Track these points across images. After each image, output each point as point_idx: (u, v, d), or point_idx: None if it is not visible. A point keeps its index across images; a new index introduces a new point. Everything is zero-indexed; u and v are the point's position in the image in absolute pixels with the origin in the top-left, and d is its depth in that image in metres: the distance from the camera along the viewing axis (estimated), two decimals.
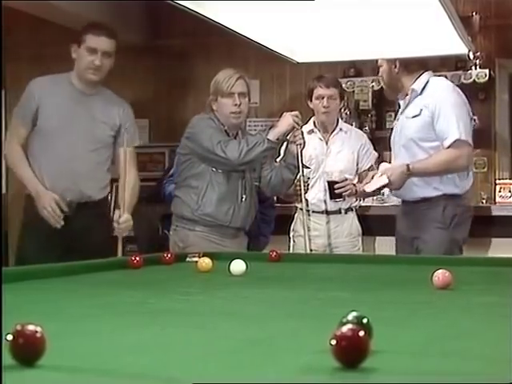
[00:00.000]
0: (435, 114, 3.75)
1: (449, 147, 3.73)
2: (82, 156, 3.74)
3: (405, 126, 3.89)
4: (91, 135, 3.76)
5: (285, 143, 3.92)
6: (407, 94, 3.90)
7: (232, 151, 3.65)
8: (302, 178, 3.90)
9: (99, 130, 3.78)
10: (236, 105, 3.73)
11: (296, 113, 3.71)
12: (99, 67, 3.70)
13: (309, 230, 4.04)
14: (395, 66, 3.94)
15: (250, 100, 3.86)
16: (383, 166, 3.92)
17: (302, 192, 3.91)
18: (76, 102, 3.76)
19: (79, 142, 3.73)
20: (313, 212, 4.23)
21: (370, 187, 3.92)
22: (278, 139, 3.67)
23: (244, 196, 3.83)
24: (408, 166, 3.74)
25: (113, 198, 4.23)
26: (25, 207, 3.84)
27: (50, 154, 3.71)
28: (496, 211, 4.61)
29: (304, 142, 3.79)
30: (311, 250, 3.90)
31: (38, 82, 3.83)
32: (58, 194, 3.71)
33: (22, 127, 3.77)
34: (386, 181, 3.77)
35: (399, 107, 4.12)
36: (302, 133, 3.81)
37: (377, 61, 4.14)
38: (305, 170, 3.94)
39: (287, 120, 3.66)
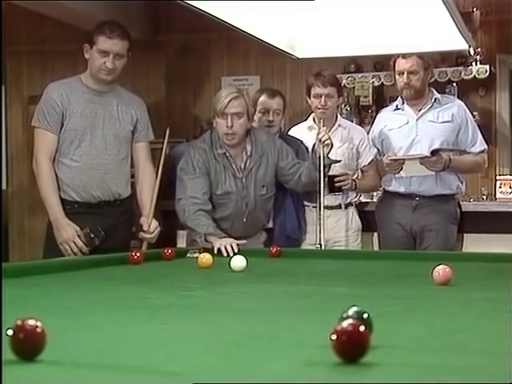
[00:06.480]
0: (463, 123, 4.22)
1: (477, 153, 4.27)
2: (108, 153, 3.75)
3: (432, 129, 4.20)
4: (113, 132, 3.77)
5: (311, 144, 3.95)
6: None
7: (180, 213, 3.78)
8: (321, 174, 3.89)
9: (120, 126, 3.79)
10: (228, 126, 3.75)
11: (235, 245, 3.49)
12: (111, 69, 3.69)
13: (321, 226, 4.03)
14: (432, 75, 4.45)
15: (250, 119, 3.86)
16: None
17: (322, 188, 3.91)
18: (94, 102, 3.74)
19: (104, 141, 3.74)
20: (313, 207, 4.23)
21: (408, 154, 4.19)
22: (210, 246, 3.55)
23: (245, 218, 3.90)
24: (450, 157, 4.10)
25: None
26: None
27: (78, 155, 3.71)
28: (496, 207, 4.61)
29: (331, 143, 3.85)
30: (320, 245, 3.90)
31: (55, 88, 3.77)
32: (88, 193, 3.72)
33: (51, 134, 3.70)
34: (425, 155, 4.08)
35: (397, 108, 4.34)
36: (329, 136, 3.86)
37: (394, 63, 4.21)
38: (336, 164, 4.00)
39: (223, 242, 3.52)
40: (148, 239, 3.80)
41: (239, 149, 3.88)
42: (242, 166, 3.89)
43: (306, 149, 4.16)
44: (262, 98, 4.25)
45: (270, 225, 4.12)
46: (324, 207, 4.12)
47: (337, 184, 4.16)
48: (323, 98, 4.19)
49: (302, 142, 4.20)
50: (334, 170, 4.15)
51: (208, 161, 3.85)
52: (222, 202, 3.87)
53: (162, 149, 3.92)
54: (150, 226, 3.77)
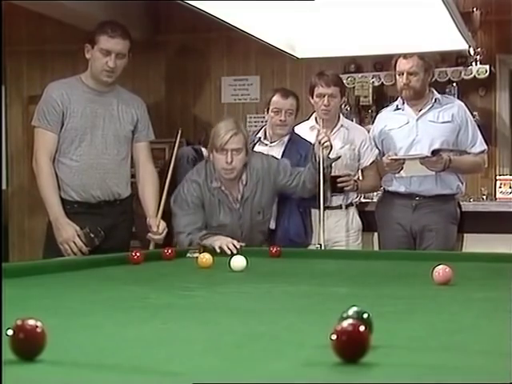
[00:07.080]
0: (463, 124, 4.23)
1: (477, 154, 4.28)
2: (108, 153, 3.76)
3: (432, 129, 4.20)
4: (114, 132, 3.77)
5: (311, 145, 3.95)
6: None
7: (176, 225, 3.82)
8: (321, 176, 3.88)
9: (120, 126, 3.80)
10: (227, 162, 3.74)
11: (236, 243, 3.57)
12: (113, 69, 3.69)
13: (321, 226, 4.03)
14: (432, 75, 4.41)
15: (247, 153, 3.83)
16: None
17: (321, 189, 3.90)
18: (94, 101, 3.74)
19: (104, 140, 3.75)
20: (313, 208, 4.23)
21: (408, 154, 4.19)
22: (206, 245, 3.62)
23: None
24: (450, 158, 4.11)
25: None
26: None
27: (78, 154, 3.71)
28: (496, 207, 4.61)
29: (331, 145, 3.84)
30: (320, 245, 3.90)
31: (55, 87, 3.77)
32: (88, 193, 3.72)
33: (51, 133, 3.69)
34: (426, 155, 4.10)
35: (397, 108, 4.34)
36: (329, 137, 3.84)
37: (395, 63, 4.19)
38: (336, 161, 4.00)
39: (224, 241, 3.57)
40: (157, 240, 3.80)
41: (235, 181, 3.86)
42: (239, 197, 3.87)
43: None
44: (275, 98, 4.21)
45: (273, 226, 4.11)
46: (324, 207, 4.12)
47: (339, 185, 4.16)
48: (326, 97, 4.19)
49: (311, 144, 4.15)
50: (337, 170, 4.15)
51: (202, 194, 3.84)
52: (217, 231, 3.82)
53: (172, 150, 3.93)
54: (159, 227, 3.78)
